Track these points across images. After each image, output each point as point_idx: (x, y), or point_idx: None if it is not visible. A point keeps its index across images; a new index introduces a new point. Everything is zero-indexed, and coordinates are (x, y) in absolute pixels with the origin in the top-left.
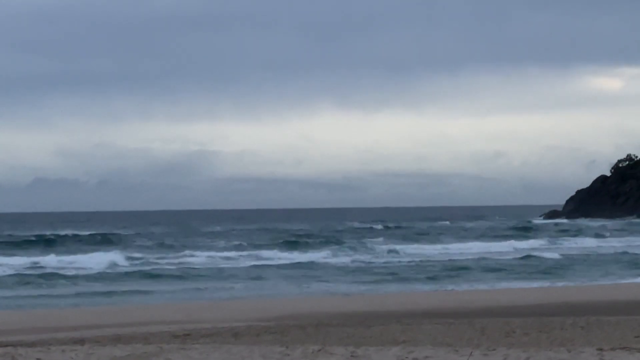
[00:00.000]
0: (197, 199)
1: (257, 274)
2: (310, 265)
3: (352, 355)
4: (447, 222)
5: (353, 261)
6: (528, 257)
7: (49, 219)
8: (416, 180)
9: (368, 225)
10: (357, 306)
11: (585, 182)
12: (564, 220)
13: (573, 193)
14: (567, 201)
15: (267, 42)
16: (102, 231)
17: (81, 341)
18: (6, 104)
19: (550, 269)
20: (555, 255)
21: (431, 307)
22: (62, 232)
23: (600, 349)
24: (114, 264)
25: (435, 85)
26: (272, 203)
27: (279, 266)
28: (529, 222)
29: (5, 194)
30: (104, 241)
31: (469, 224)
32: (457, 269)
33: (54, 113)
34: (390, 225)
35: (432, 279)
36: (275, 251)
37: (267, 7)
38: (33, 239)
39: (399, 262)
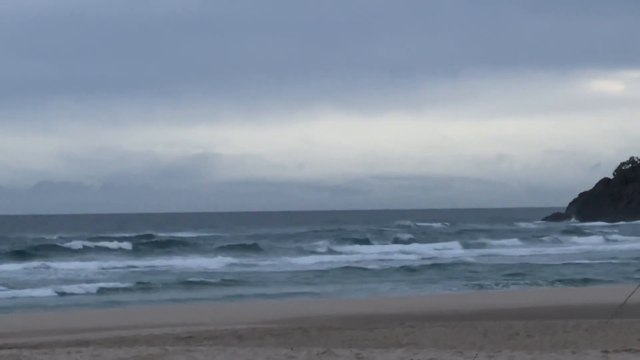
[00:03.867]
0: (200, 202)
1: (431, 275)
2: (460, 264)
3: (356, 357)
4: (503, 223)
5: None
6: None
7: (57, 222)
8: (418, 183)
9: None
10: (360, 309)
11: (588, 185)
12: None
13: (575, 196)
14: (570, 204)
15: (269, 45)
16: (153, 233)
17: (85, 343)
18: (9, 108)
19: None
20: None
21: (433, 310)
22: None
23: (605, 351)
24: (232, 265)
25: (436, 88)
26: (275, 206)
27: (430, 266)
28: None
29: (10, 197)
30: (186, 244)
31: (524, 224)
32: None
33: (57, 117)
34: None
35: None
36: (395, 250)
37: (268, 10)
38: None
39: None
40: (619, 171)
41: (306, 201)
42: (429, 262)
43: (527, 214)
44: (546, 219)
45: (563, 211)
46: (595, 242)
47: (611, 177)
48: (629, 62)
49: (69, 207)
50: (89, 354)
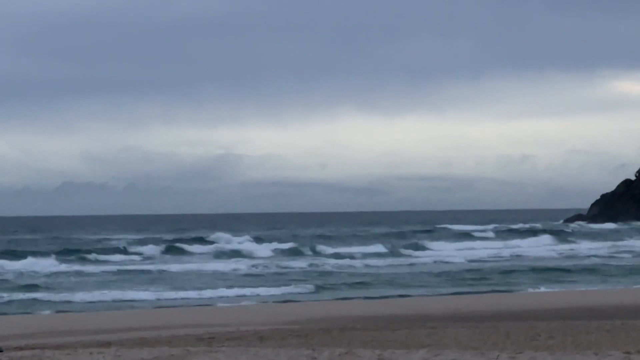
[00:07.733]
0: (223, 202)
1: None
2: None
3: (378, 358)
4: (560, 222)
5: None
6: None
7: (81, 223)
8: (441, 184)
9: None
10: (382, 310)
11: (610, 186)
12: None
13: (598, 197)
14: (592, 205)
15: (291, 46)
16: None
17: (107, 344)
18: (33, 109)
19: None
20: None
21: (455, 310)
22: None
23: (628, 352)
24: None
25: (458, 89)
26: (297, 207)
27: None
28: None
29: (34, 198)
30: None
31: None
32: None
33: (80, 118)
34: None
35: None
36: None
37: (290, 12)
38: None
39: None
40: None
41: (328, 202)
42: None
43: (551, 215)
44: (567, 220)
45: (584, 212)
46: None
47: (633, 178)
48: None
49: (93, 208)
50: (111, 354)
